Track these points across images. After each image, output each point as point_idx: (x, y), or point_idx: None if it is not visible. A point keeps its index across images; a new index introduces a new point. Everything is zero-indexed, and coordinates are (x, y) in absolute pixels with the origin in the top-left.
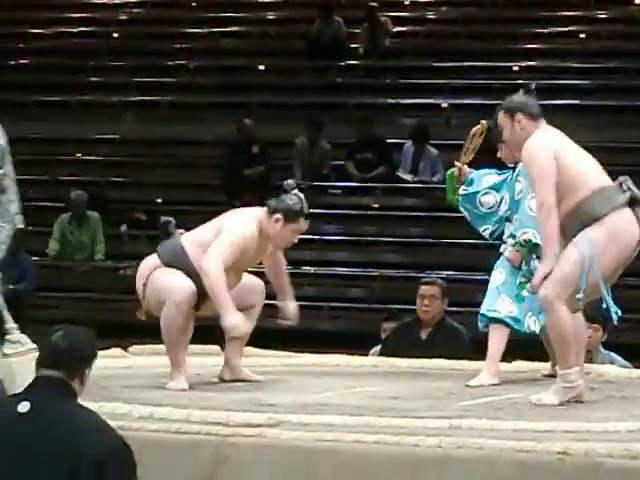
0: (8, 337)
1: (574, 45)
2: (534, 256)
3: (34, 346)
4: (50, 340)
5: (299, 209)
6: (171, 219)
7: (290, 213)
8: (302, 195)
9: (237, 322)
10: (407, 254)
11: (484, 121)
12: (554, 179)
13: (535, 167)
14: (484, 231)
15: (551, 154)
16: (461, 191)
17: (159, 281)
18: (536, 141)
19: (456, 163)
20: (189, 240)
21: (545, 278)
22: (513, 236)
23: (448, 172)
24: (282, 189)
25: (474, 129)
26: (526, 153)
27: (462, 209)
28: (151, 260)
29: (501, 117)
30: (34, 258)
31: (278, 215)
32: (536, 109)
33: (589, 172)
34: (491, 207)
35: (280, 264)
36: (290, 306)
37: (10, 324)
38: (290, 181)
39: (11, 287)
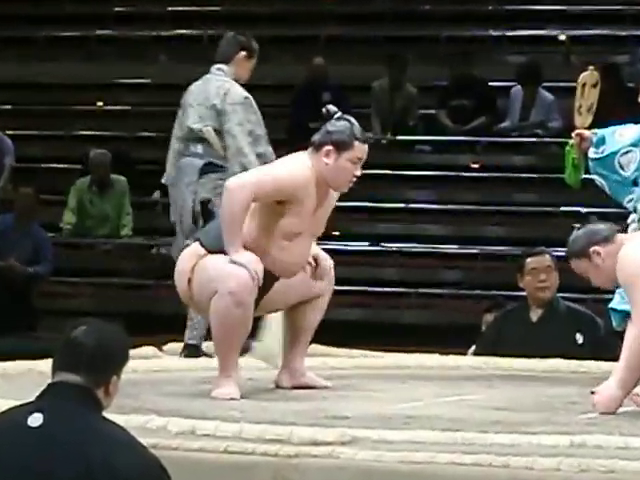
0: None
1: None
2: None
3: None
4: (70, 337)
5: (350, 132)
6: (210, 197)
7: (340, 140)
8: (350, 118)
9: (246, 261)
10: (515, 227)
11: (591, 67)
12: None
13: None
14: (628, 202)
15: None
16: (592, 154)
17: (209, 270)
18: None
19: (575, 134)
20: None
21: None
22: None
23: (567, 146)
24: (323, 118)
25: (582, 77)
26: None
27: (596, 177)
28: (193, 249)
29: None
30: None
31: (327, 147)
32: None
33: None
34: (638, 169)
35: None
36: (315, 253)
37: None
38: (329, 106)
39: (29, 270)
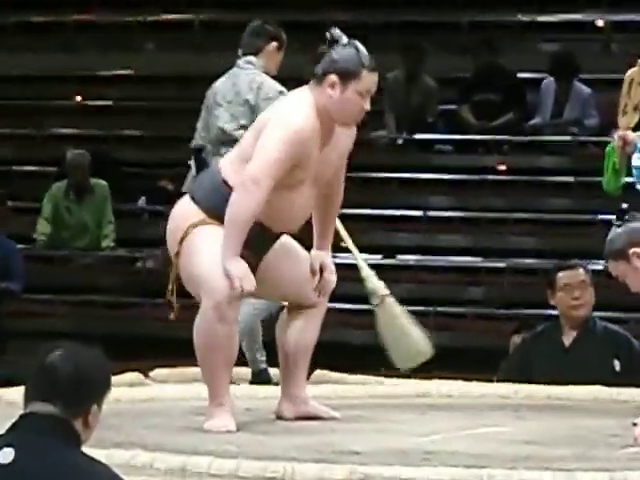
0: None
1: None
2: None
3: None
4: (44, 362)
5: (357, 60)
6: (207, 145)
7: (345, 68)
8: (358, 44)
9: (236, 272)
10: (547, 237)
11: None
12: None
13: None
14: None
15: None
16: (636, 160)
17: (195, 259)
18: None
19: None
20: (230, 163)
21: None
22: None
23: (607, 147)
24: (327, 44)
25: (631, 72)
26: None
27: None
28: (186, 208)
29: None
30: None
31: (331, 77)
32: None
33: None
34: None
35: (336, 196)
36: (324, 261)
37: None
38: (333, 30)
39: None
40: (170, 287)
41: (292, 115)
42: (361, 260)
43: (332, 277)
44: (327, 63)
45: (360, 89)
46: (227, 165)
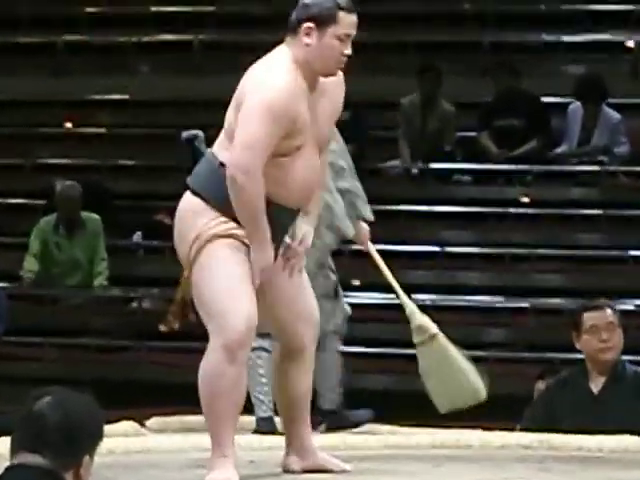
0: None
1: None
2: None
3: None
4: (32, 410)
5: (332, 1)
6: (198, 132)
7: (320, 13)
8: None
9: (260, 264)
10: (574, 274)
11: None
12: None
13: None
14: None
15: None
16: None
17: (210, 282)
18: None
19: None
20: (220, 143)
21: None
22: None
23: None
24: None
25: None
26: None
27: None
28: (188, 203)
29: None
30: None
31: (306, 25)
32: None
33: None
34: None
35: (322, 168)
36: (301, 228)
37: None
38: None
39: None
40: (178, 297)
41: (269, 81)
42: (404, 296)
43: (314, 314)
44: (300, 10)
45: (339, 33)
46: (219, 146)
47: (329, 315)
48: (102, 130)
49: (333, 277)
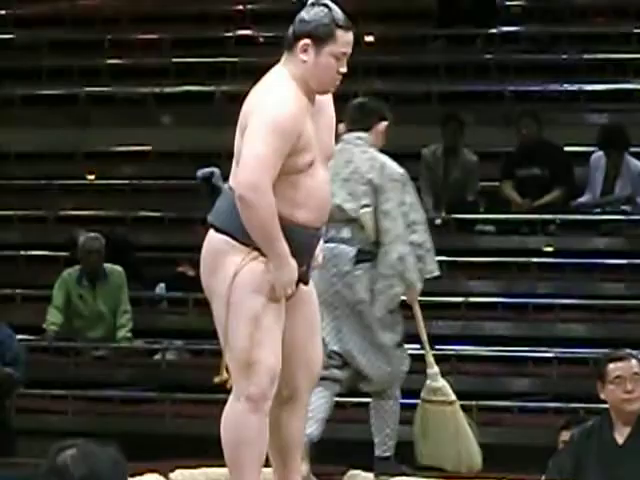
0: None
1: None
2: None
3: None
4: (56, 463)
5: (330, 19)
6: (214, 169)
7: (317, 30)
8: (329, 1)
9: (293, 277)
10: (599, 324)
11: None
12: None
13: None
14: None
15: None
16: None
17: (240, 328)
18: None
19: None
20: (235, 175)
21: None
22: None
23: None
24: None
25: None
26: None
27: None
28: (212, 242)
29: None
30: (23, 337)
31: (304, 41)
32: None
33: None
34: None
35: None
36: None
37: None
38: None
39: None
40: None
41: (270, 100)
42: (430, 356)
43: (316, 368)
44: (298, 25)
45: (335, 52)
46: (233, 178)
47: (398, 363)
48: (124, 181)
49: (401, 326)
